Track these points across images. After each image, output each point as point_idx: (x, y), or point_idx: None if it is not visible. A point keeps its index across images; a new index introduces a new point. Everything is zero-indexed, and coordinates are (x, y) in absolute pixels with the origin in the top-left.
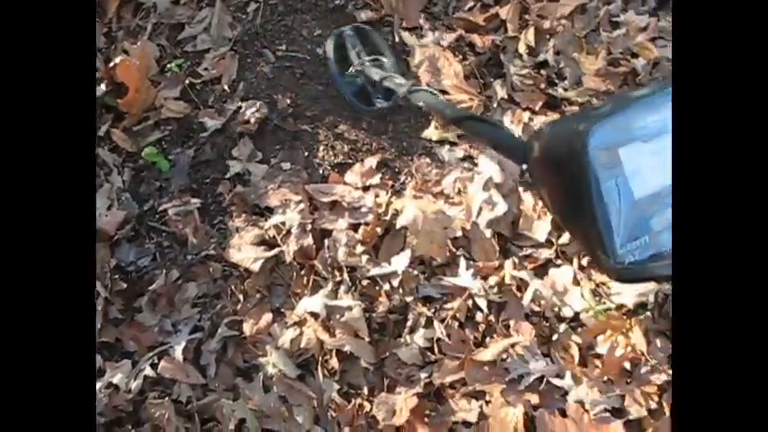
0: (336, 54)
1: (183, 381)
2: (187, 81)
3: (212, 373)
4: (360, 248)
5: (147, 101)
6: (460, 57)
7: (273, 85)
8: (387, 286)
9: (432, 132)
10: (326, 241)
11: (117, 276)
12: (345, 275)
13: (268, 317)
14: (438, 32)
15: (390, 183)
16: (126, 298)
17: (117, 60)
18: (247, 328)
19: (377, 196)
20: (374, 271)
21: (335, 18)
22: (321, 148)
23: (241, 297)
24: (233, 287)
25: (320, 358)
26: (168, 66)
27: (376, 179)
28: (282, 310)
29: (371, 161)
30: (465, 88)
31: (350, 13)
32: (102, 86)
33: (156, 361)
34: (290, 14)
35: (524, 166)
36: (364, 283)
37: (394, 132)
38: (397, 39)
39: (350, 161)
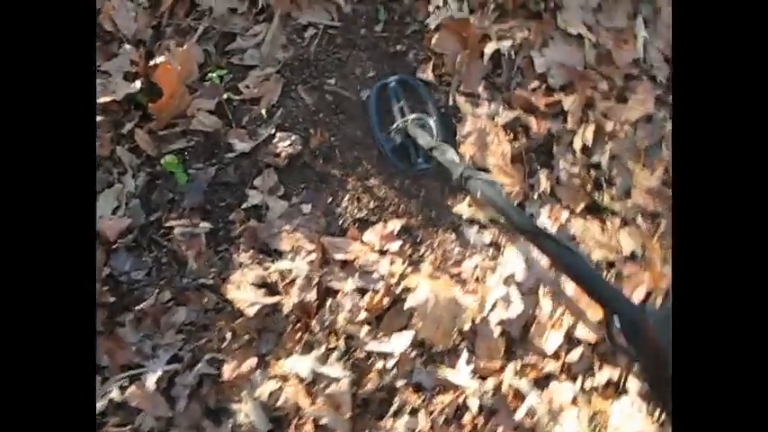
0: (378, 105)
1: (150, 412)
2: (225, 95)
3: (181, 407)
4: (362, 316)
5: (180, 107)
6: (511, 136)
7: (313, 119)
8: (381, 364)
9: (463, 208)
10: (329, 301)
11: (107, 286)
12: (341, 342)
13: (252, 362)
14: (494, 105)
15: (409, 252)
16: (111, 309)
17: (159, 60)
18: (228, 369)
19: (392, 263)
20: (372, 345)
21: (393, 64)
22: (347, 197)
23: (229, 335)
24: (223, 322)
25: (295, 421)
26: (210, 74)
27: (395, 245)
28: (268, 358)
29: (395, 224)
30: (508, 171)
31: (409, 62)
32: (138, 84)
33: (126, 384)
34: (347, 49)
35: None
36: (359, 354)
37: (425, 198)
38: (450, 101)
39: (373, 218)
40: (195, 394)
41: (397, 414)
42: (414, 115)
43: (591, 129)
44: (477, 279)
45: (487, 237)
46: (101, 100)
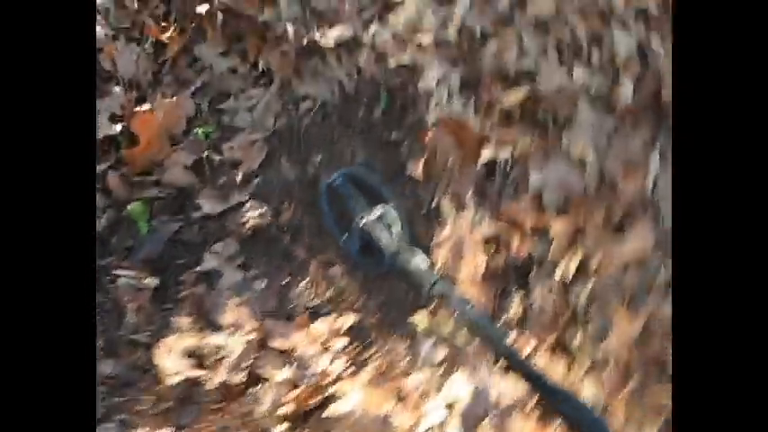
0: (335, 207)
1: None
2: (205, 153)
3: None
4: (282, 411)
5: (157, 157)
6: (492, 250)
7: (289, 193)
8: None
9: (422, 319)
10: (253, 389)
11: None
12: None
13: None
14: (480, 214)
15: (355, 353)
16: None
17: (144, 107)
18: None
19: (332, 362)
20: None
21: (385, 154)
22: (305, 282)
23: (150, 398)
24: (146, 384)
25: None
26: (196, 130)
27: (342, 343)
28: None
29: (347, 320)
30: (479, 286)
31: (402, 153)
32: (119, 127)
33: None
34: (341, 128)
35: None
36: None
37: (388, 297)
38: (435, 202)
39: (326, 310)
40: None
41: None
42: (371, 215)
43: (576, 260)
44: (420, 398)
45: (441, 354)
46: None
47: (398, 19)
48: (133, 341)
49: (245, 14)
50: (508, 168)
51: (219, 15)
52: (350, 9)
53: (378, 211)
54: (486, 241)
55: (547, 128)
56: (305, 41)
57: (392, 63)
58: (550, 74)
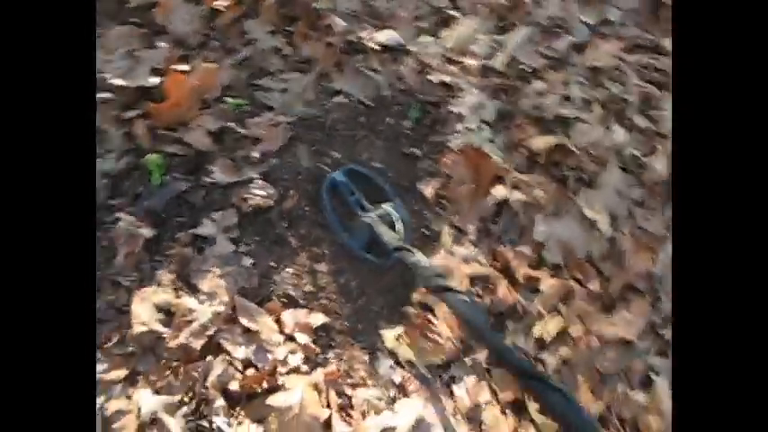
0: (335, 202)
1: None
2: (230, 123)
3: None
4: (228, 386)
5: (185, 116)
6: (479, 289)
7: (299, 181)
8: None
9: (390, 333)
10: (210, 358)
11: None
12: (196, 403)
13: (122, 373)
14: (476, 250)
15: (316, 351)
16: None
17: (181, 67)
18: (99, 368)
19: (291, 353)
20: (218, 421)
21: (402, 166)
22: (289, 270)
23: (116, 338)
24: (118, 325)
25: None
26: (228, 99)
27: (305, 339)
28: (140, 377)
29: (317, 319)
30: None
31: (418, 168)
32: (156, 80)
33: None
34: (365, 131)
35: None
36: (203, 423)
37: (362, 308)
38: (436, 226)
39: (302, 302)
40: None
41: None
42: (376, 211)
43: (555, 324)
44: (362, 414)
45: (398, 376)
46: (119, 82)
47: (451, 36)
48: (117, 282)
49: None
50: (518, 213)
51: None
52: (406, 16)
53: (383, 208)
54: (473, 280)
55: (567, 182)
56: (352, 38)
57: (433, 78)
58: (588, 128)
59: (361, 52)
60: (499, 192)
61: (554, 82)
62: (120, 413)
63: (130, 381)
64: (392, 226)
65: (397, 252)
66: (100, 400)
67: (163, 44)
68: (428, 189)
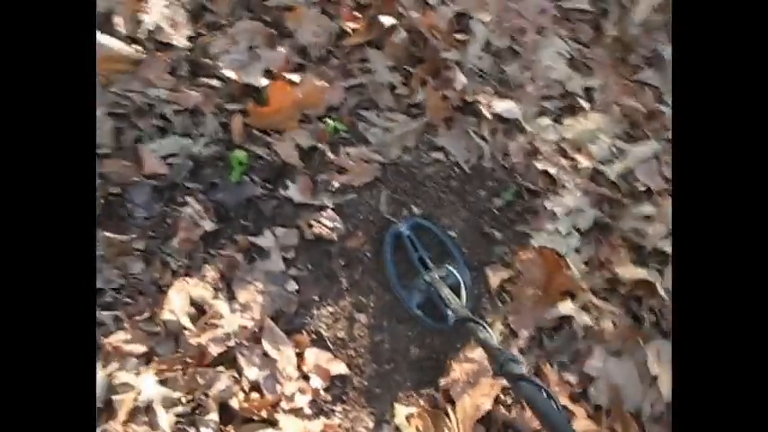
0: (398, 254)
1: None
2: (322, 145)
3: None
4: (229, 401)
5: (280, 125)
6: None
7: (372, 223)
8: None
9: (403, 410)
10: (220, 369)
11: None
12: (191, 407)
13: (141, 348)
14: (521, 359)
15: (324, 399)
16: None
17: (293, 77)
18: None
19: (300, 392)
20: None
21: (478, 243)
22: (330, 309)
23: (146, 314)
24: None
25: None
26: (328, 120)
27: (319, 383)
28: (155, 360)
29: (338, 368)
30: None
31: (492, 251)
32: (265, 82)
33: None
34: (455, 196)
35: None
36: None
37: (391, 370)
38: (490, 321)
39: (331, 345)
40: None
41: None
42: (439, 270)
43: None
44: None
45: None
46: (230, 74)
47: (573, 127)
48: (166, 263)
49: (430, 43)
50: (577, 336)
51: (402, 32)
52: (534, 92)
53: (446, 269)
54: (504, 389)
55: (642, 324)
56: (469, 98)
57: (539, 165)
58: None
59: (475, 115)
60: (566, 307)
61: (665, 210)
62: (125, 386)
63: (146, 359)
64: (454, 289)
65: (462, 323)
66: (114, 365)
67: (283, 49)
68: (495, 277)
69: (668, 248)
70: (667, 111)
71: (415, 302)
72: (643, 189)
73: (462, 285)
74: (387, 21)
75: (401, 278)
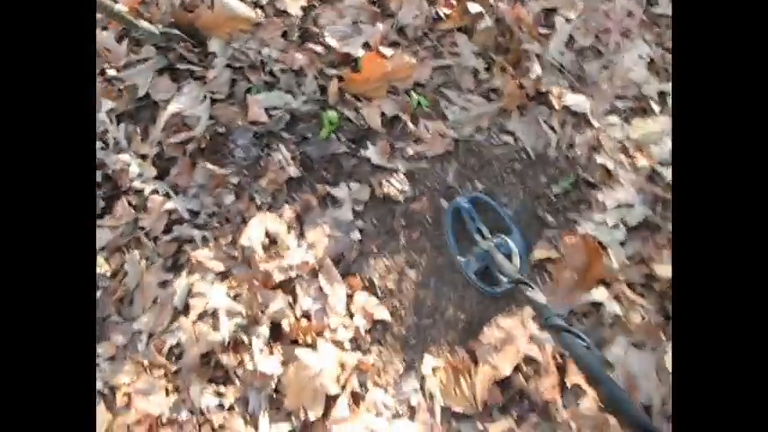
0: (454, 227)
1: None
2: (405, 116)
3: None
4: (282, 321)
5: (370, 93)
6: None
7: (437, 191)
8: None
9: (431, 360)
10: (279, 292)
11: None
12: (248, 321)
13: (220, 266)
14: (548, 336)
15: (366, 340)
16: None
17: (386, 51)
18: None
19: (344, 327)
20: (255, 342)
21: (530, 225)
22: (385, 261)
23: (216, 242)
24: (236, 233)
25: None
26: (414, 94)
27: (363, 324)
28: (230, 277)
29: (381, 313)
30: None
31: (542, 235)
32: (361, 53)
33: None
34: (518, 178)
35: None
36: (244, 338)
37: (430, 324)
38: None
39: (379, 293)
40: None
41: None
42: (495, 239)
43: None
44: (367, 409)
45: (414, 400)
46: (333, 43)
47: (640, 128)
48: (252, 198)
49: (516, 34)
50: (605, 324)
51: (488, 20)
52: (608, 90)
53: (502, 238)
54: (526, 359)
55: (669, 319)
56: (543, 89)
57: (600, 159)
58: None
59: (548, 106)
60: (600, 294)
61: None
62: (200, 294)
63: (222, 276)
64: (509, 257)
65: (515, 284)
66: (196, 276)
67: (381, 26)
68: (539, 254)
69: None
70: None
71: (471, 269)
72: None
73: (516, 253)
74: (474, 8)
75: (460, 247)
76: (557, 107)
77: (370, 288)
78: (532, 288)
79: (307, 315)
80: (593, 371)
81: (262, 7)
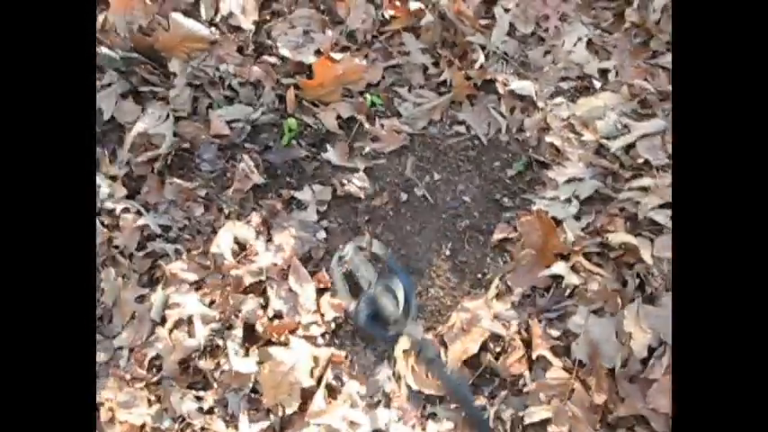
0: (346, 277)
1: None
2: (360, 116)
3: None
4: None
5: (325, 97)
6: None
7: (396, 185)
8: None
9: (401, 348)
10: (251, 296)
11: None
12: (222, 324)
13: (194, 276)
14: (512, 312)
15: (332, 331)
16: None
17: (336, 55)
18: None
19: (316, 324)
20: (231, 345)
21: (488, 209)
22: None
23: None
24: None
25: None
26: (368, 95)
27: (332, 320)
28: (204, 286)
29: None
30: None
31: (500, 216)
32: (312, 57)
33: None
34: (472, 165)
35: None
36: (220, 343)
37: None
38: (490, 279)
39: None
40: None
41: None
42: (379, 284)
43: (542, 414)
44: (343, 401)
45: (389, 387)
46: (286, 53)
47: (584, 106)
48: (221, 209)
49: (458, 27)
50: (565, 296)
51: (430, 15)
52: (552, 73)
53: (385, 282)
54: (491, 337)
55: (626, 287)
56: (490, 77)
57: (550, 140)
58: None
59: (496, 94)
60: (559, 268)
61: (663, 183)
62: (176, 305)
63: (196, 286)
64: (396, 298)
65: (395, 324)
66: (171, 289)
67: (331, 33)
68: (497, 236)
69: (660, 218)
70: None
71: (363, 317)
72: (641, 162)
73: (400, 291)
74: (414, 5)
75: (353, 297)
76: (504, 94)
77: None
78: (408, 324)
79: (279, 315)
80: (458, 393)
81: (216, 25)
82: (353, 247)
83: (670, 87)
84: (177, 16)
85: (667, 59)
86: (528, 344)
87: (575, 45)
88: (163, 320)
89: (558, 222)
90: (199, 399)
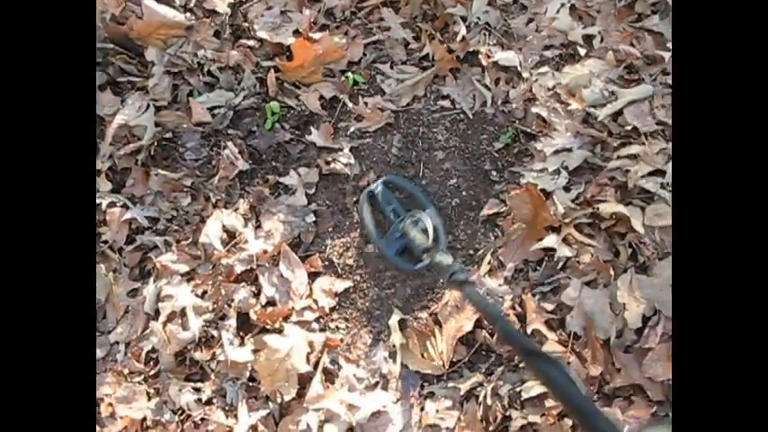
0: (373, 215)
1: None
2: (343, 96)
3: None
4: (249, 311)
5: (306, 79)
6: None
7: (380, 164)
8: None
9: (397, 326)
10: (243, 284)
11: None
12: (215, 315)
13: (185, 267)
14: (505, 288)
15: (327, 315)
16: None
17: (315, 35)
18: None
19: (309, 309)
20: (225, 335)
21: (477, 184)
22: (342, 240)
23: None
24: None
25: None
26: (348, 74)
27: (327, 303)
28: (196, 277)
29: (344, 285)
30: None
31: (489, 191)
32: (293, 40)
33: None
34: (458, 139)
35: None
36: (214, 333)
37: (391, 294)
38: (482, 255)
39: (340, 271)
40: None
41: None
42: (409, 217)
43: (538, 390)
44: (341, 385)
45: (386, 368)
46: (264, 35)
47: (570, 75)
48: (208, 197)
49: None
50: (558, 268)
51: None
52: (536, 42)
53: (415, 215)
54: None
55: (618, 257)
56: (473, 49)
57: (537, 111)
58: (667, 211)
59: (478, 66)
60: (550, 241)
61: (652, 150)
62: (169, 297)
63: (188, 277)
64: (425, 231)
65: (424, 253)
66: (163, 282)
67: (308, 11)
68: (487, 211)
69: (650, 186)
70: (667, 55)
71: (392, 250)
72: (630, 129)
73: (429, 225)
74: None
75: (380, 231)
76: (488, 65)
77: (331, 267)
78: (439, 252)
79: (272, 302)
80: (489, 311)
81: (191, 10)
82: (383, 182)
83: (657, 51)
84: (150, 3)
85: (653, 22)
86: (522, 318)
87: (558, 11)
88: (156, 313)
89: (548, 195)
90: (197, 390)
